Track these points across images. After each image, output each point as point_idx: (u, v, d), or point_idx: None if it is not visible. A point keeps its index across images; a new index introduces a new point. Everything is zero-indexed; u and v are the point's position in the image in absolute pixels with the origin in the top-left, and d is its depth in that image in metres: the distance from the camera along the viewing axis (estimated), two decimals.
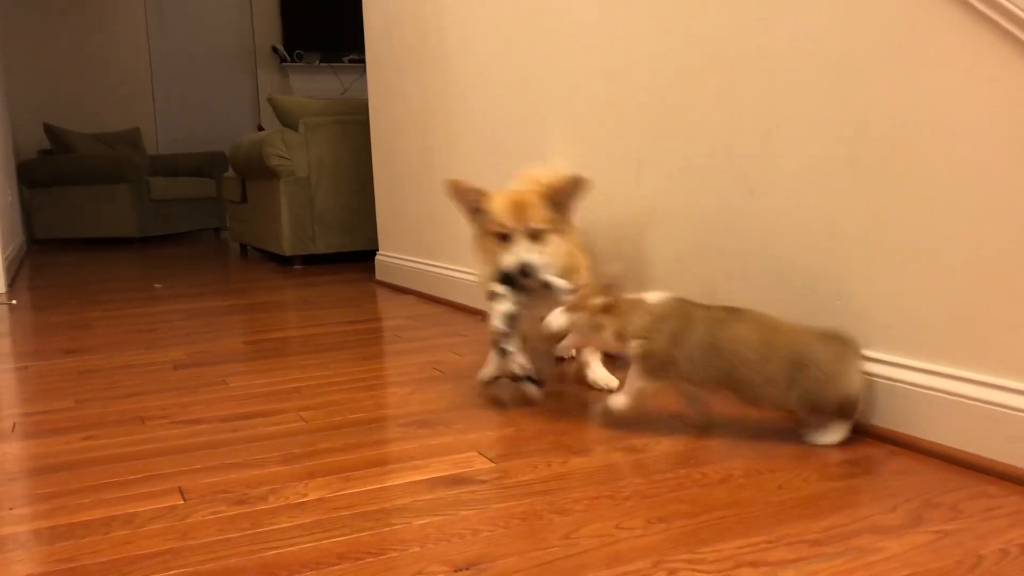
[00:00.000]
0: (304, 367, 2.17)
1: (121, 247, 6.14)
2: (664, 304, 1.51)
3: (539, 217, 1.72)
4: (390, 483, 1.34)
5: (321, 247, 4.48)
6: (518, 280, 1.68)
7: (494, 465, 1.40)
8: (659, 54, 1.96)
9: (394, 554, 1.09)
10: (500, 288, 1.70)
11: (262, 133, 4.56)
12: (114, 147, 6.76)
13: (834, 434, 1.42)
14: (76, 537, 1.18)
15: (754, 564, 1.02)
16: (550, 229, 1.74)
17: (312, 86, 7.91)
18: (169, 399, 1.91)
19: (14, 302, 3.43)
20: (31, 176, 6.24)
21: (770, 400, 1.44)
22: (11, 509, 1.29)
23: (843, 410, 1.41)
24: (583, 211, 1.86)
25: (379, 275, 3.78)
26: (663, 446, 1.46)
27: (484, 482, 1.33)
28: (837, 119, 1.52)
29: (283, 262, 4.72)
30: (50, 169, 6.25)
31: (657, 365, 1.49)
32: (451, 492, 1.29)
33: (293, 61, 7.82)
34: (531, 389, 1.72)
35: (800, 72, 1.59)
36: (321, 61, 7.92)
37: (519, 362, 1.69)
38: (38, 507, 1.30)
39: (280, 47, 7.81)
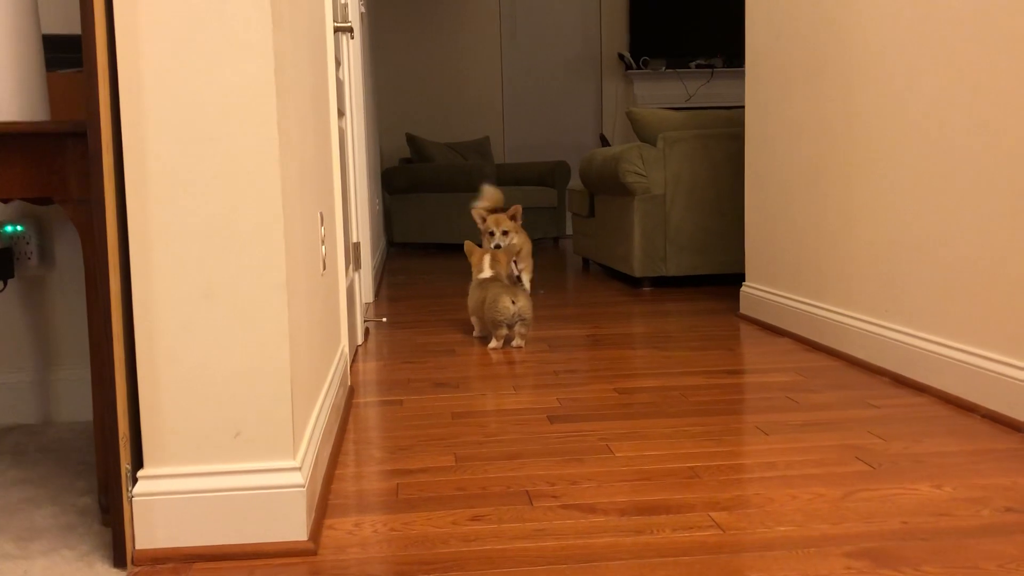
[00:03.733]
0: (693, 436, 1.88)
1: None
2: None
3: None
4: None
5: (672, 269, 4.20)
6: None
7: None
8: None
9: None
10: None
11: (618, 148, 4.37)
12: (466, 156, 6.99)
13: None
14: None
15: None
16: None
17: (656, 93, 7.68)
18: (553, 467, 1.69)
19: (384, 319, 3.51)
20: (392, 183, 6.61)
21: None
22: None
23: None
24: None
25: (744, 308, 3.42)
26: None
27: None
28: None
29: (630, 283, 4.50)
30: (409, 177, 6.58)
31: None
32: None
33: (639, 68, 7.64)
34: None
35: None
36: (667, 67, 7.67)
37: None
38: None
39: (627, 54, 7.66)
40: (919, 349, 2.24)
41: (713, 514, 1.45)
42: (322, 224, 1.95)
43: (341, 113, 2.74)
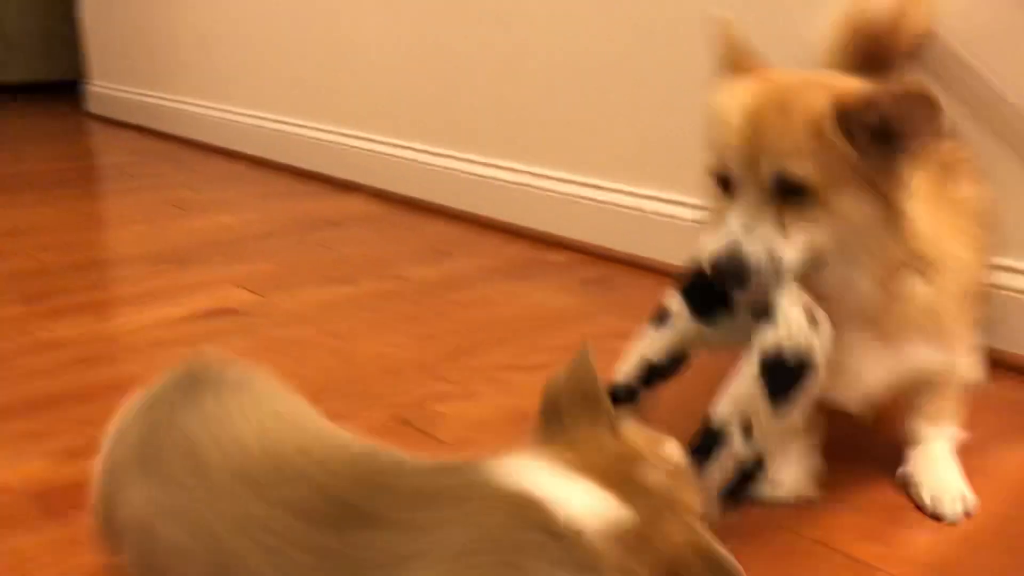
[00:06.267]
0: (27, 206, 2.01)
1: None
2: None
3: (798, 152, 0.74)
4: (149, 318, 1.33)
5: (12, 75, 3.99)
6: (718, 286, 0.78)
7: (259, 298, 1.43)
8: None
9: None
10: (674, 300, 0.83)
11: None
12: None
13: None
14: None
15: None
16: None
17: None
18: None
19: None
20: None
21: None
22: None
23: None
24: None
25: (90, 107, 3.47)
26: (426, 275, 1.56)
27: (250, 314, 1.36)
28: None
29: None
30: None
31: None
32: (217, 324, 1.31)
33: None
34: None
35: None
36: None
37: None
38: None
39: None
40: (233, 122, 2.62)
41: (38, 255, 1.65)
42: None
43: None
